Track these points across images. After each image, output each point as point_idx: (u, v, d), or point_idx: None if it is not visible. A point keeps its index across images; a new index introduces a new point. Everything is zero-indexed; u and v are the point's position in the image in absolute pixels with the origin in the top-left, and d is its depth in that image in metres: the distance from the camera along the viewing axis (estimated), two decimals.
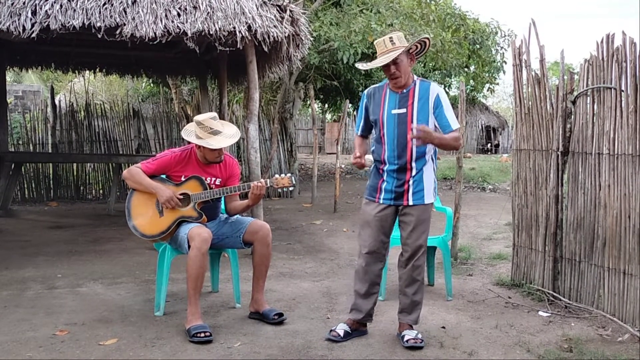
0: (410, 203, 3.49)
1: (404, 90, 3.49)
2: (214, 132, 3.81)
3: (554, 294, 4.33)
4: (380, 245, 3.58)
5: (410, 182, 3.48)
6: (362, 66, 3.69)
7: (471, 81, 16.80)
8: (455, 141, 3.46)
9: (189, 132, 3.89)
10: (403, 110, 3.46)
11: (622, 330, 3.68)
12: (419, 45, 3.52)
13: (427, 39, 3.52)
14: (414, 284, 3.57)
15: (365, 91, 3.70)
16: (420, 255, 3.55)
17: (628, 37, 3.74)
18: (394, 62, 3.41)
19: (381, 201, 3.55)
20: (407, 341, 3.45)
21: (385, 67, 3.44)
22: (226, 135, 3.86)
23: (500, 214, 7.81)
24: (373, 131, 3.67)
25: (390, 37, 3.45)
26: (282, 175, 3.87)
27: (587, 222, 4.09)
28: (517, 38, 14.10)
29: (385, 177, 3.53)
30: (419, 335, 3.50)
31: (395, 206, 3.54)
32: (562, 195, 4.34)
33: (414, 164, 3.46)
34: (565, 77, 4.23)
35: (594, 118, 4.04)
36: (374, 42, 3.56)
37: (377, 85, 3.67)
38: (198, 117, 3.85)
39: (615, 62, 3.82)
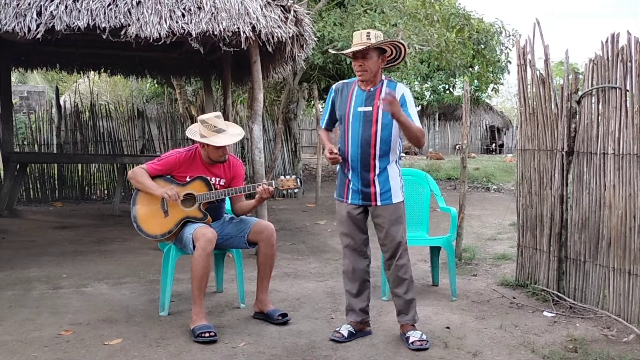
0: (379, 204, 3.50)
1: (372, 89, 3.50)
2: (218, 130, 3.81)
3: (559, 294, 4.32)
4: (359, 242, 3.61)
5: (376, 182, 3.48)
6: (332, 50, 3.74)
7: (475, 81, 16.79)
8: (420, 133, 3.44)
9: (194, 132, 3.90)
10: (369, 108, 3.46)
11: (628, 330, 3.67)
12: (393, 50, 3.52)
13: (402, 44, 3.51)
14: (402, 284, 3.55)
15: (334, 86, 3.70)
16: (402, 252, 3.53)
17: (633, 36, 3.73)
18: (364, 56, 3.42)
19: (349, 201, 3.56)
20: (412, 343, 3.44)
21: (354, 59, 3.47)
22: (230, 134, 3.87)
23: (504, 214, 7.80)
24: (338, 127, 3.68)
25: (368, 32, 3.47)
26: (287, 176, 3.88)
27: (592, 222, 4.08)
28: (522, 38, 14.04)
29: (350, 177, 3.54)
30: (424, 336, 3.49)
31: (364, 206, 3.55)
32: (566, 196, 4.33)
33: (377, 163, 3.46)
34: (570, 77, 4.22)
35: (599, 118, 4.03)
36: (354, 33, 3.57)
37: (346, 81, 3.68)
38: (202, 116, 3.87)
39: (620, 61, 3.81)
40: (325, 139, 3.72)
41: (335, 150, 3.50)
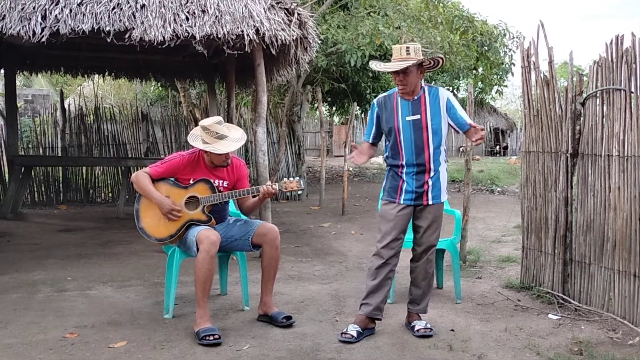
0: (430, 202, 3.70)
1: (415, 98, 3.67)
2: (220, 136, 3.82)
3: (564, 296, 4.31)
4: (397, 241, 3.73)
5: (430, 183, 3.68)
6: (374, 66, 3.86)
7: (479, 83, 16.77)
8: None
9: (195, 137, 3.90)
10: (417, 117, 3.64)
11: (633, 333, 3.65)
12: (431, 62, 3.70)
13: (442, 58, 3.72)
14: (426, 277, 3.82)
15: (375, 100, 3.86)
16: (433, 250, 3.79)
17: (638, 38, 3.72)
18: (404, 71, 3.58)
19: (402, 201, 3.71)
20: (417, 331, 3.66)
21: (395, 74, 3.63)
22: (232, 139, 3.87)
23: (509, 217, 7.78)
24: (385, 139, 3.83)
25: (407, 47, 3.63)
26: (291, 178, 3.91)
27: (597, 224, 4.07)
28: (526, 40, 14.04)
29: (405, 178, 3.70)
30: (428, 325, 3.70)
31: (414, 206, 3.72)
32: (571, 198, 4.32)
33: (432, 165, 3.66)
34: (574, 79, 4.21)
35: (604, 120, 4.02)
36: (393, 46, 3.73)
37: (386, 94, 3.83)
38: (204, 122, 3.86)
39: (624, 63, 3.80)
40: (364, 149, 3.85)
41: (356, 153, 3.78)
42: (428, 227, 3.72)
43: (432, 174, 3.66)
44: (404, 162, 3.67)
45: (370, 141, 3.88)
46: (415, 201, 3.69)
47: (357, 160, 3.79)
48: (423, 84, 3.71)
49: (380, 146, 4.04)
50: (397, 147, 3.68)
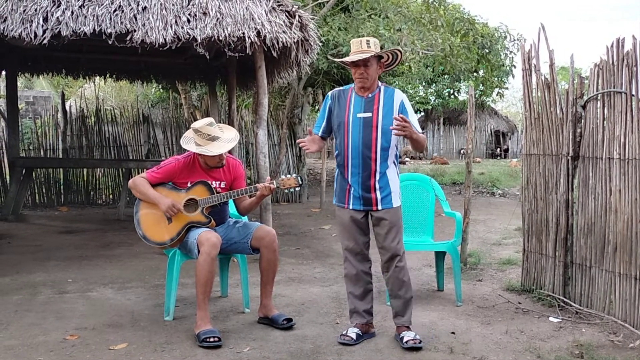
0: (380, 208, 3.56)
1: (370, 95, 3.56)
2: (212, 138, 3.81)
3: (565, 299, 4.30)
4: (361, 245, 3.67)
5: (377, 187, 3.53)
6: (336, 59, 3.76)
7: (480, 85, 16.74)
8: (425, 141, 3.58)
9: (188, 140, 3.90)
10: (368, 115, 3.52)
11: (634, 336, 3.65)
12: (390, 56, 3.60)
13: (400, 51, 3.60)
14: (403, 286, 3.62)
15: (330, 93, 3.74)
16: (401, 255, 3.60)
17: (638, 41, 3.72)
18: (365, 64, 3.48)
19: (350, 206, 3.61)
20: (406, 342, 3.51)
21: (355, 67, 3.51)
22: (225, 140, 3.86)
23: (509, 219, 7.77)
24: (335, 136, 3.70)
25: (367, 40, 3.54)
26: (288, 175, 3.89)
27: (598, 227, 4.07)
28: (527, 42, 13.99)
29: (350, 182, 3.58)
30: (417, 336, 3.54)
31: (365, 210, 3.60)
32: (572, 200, 4.32)
33: (378, 168, 3.52)
34: (575, 82, 4.21)
35: (604, 122, 4.02)
36: (351, 41, 3.63)
37: (342, 88, 3.73)
38: (195, 125, 3.85)
39: (625, 66, 3.80)
40: (313, 139, 3.70)
41: (309, 140, 3.62)
42: (387, 234, 3.55)
43: (378, 177, 3.51)
44: (349, 163, 3.54)
45: (319, 134, 3.74)
46: (365, 206, 3.57)
47: (309, 147, 3.62)
48: (380, 84, 3.61)
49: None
50: (343, 144, 3.56)
